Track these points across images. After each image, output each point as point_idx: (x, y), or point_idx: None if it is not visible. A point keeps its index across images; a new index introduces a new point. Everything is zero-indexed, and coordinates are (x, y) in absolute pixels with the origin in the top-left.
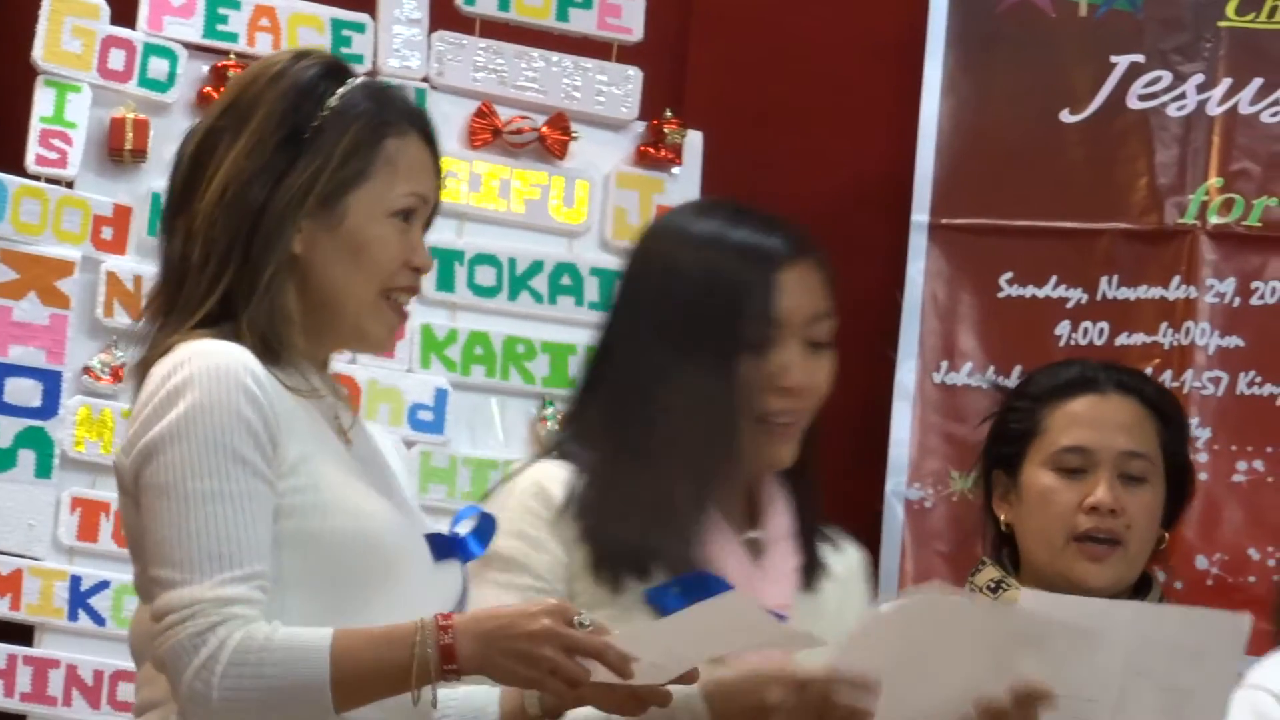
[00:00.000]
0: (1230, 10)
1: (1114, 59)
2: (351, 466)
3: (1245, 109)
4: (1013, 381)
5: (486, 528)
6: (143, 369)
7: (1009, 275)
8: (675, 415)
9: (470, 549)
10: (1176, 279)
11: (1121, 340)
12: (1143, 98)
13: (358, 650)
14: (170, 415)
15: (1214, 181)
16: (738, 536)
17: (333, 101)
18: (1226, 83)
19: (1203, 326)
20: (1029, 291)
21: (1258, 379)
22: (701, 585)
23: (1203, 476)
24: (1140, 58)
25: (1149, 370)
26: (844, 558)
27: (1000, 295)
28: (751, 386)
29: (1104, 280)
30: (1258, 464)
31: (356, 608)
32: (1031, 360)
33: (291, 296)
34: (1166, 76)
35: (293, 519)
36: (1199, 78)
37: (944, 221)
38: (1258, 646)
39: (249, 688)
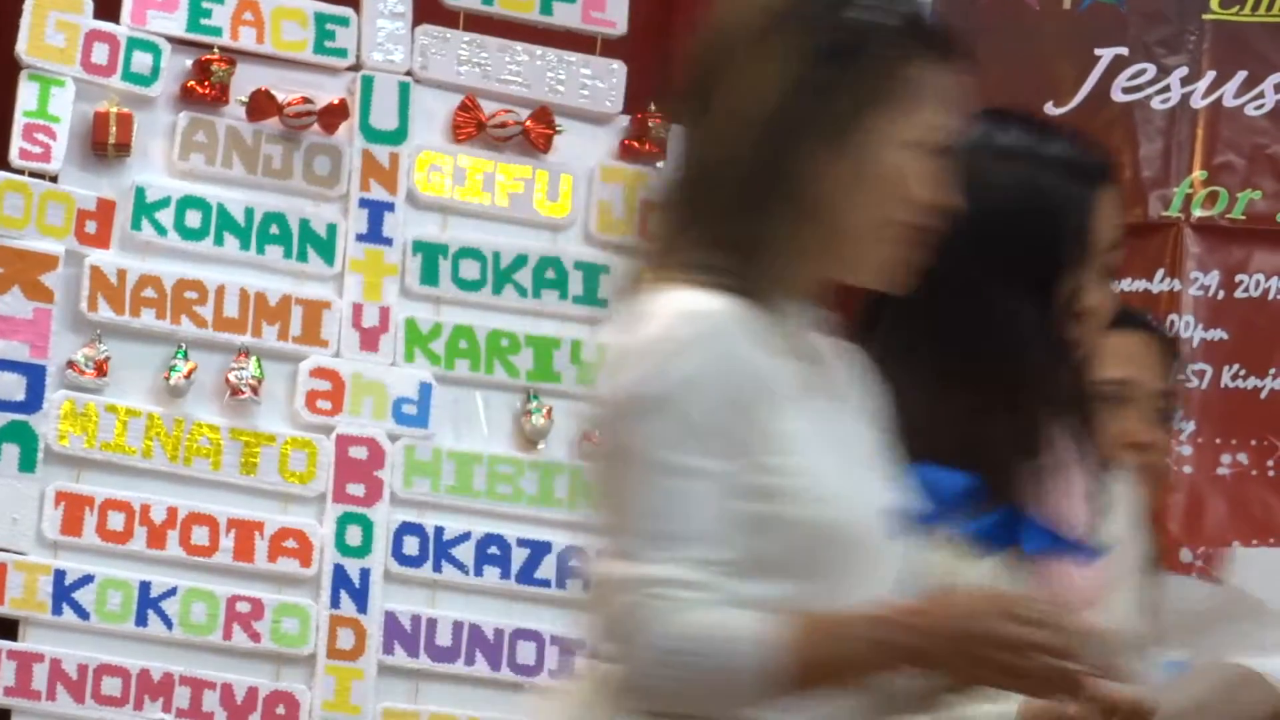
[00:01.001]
0: (1214, 3)
1: (1098, 52)
2: (831, 434)
3: (1229, 102)
4: None
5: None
6: (644, 283)
7: None
8: (1005, 338)
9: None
10: (1161, 272)
11: None
12: (1127, 90)
13: (816, 642)
14: (658, 376)
15: (1198, 174)
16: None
17: (858, 17)
18: (1210, 76)
19: (1186, 319)
20: None
21: (1242, 372)
22: (1022, 522)
23: (1187, 469)
24: (1124, 50)
25: None
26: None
27: None
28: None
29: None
30: (1241, 457)
31: (820, 596)
32: None
33: (797, 221)
34: (1151, 69)
35: (766, 502)
36: (1183, 71)
37: None
38: None
39: (691, 675)
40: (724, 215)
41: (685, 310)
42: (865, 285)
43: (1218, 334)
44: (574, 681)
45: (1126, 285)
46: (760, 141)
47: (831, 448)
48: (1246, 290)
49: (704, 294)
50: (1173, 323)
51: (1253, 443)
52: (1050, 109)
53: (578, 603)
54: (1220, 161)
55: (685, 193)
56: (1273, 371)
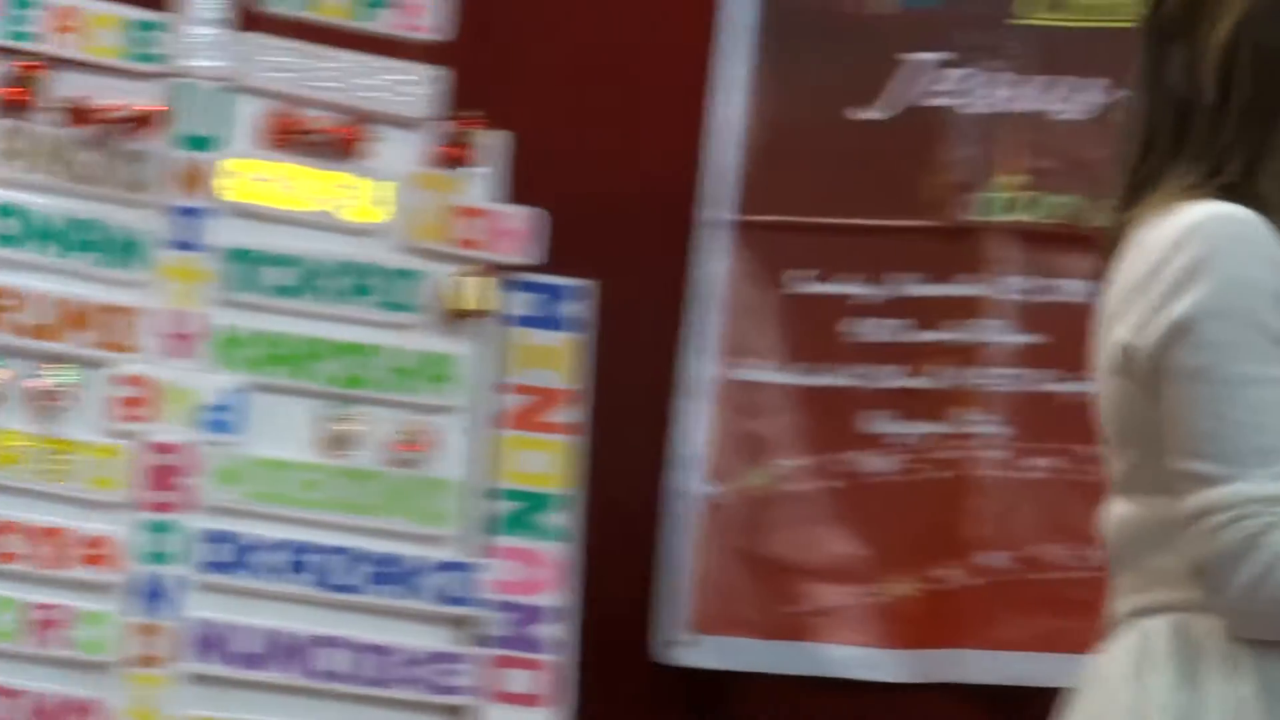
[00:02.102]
0: (1030, 8)
1: (911, 55)
2: None
3: (1041, 106)
4: (806, 379)
5: None
6: (1149, 208)
7: (805, 272)
8: None
9: None
10: (971, 276)
11: (916, 337)
12: (938, 94)
13: None
14: (1197, 290)
15: (1009, 179)
16: None
17: None
18: (1026, 80)
19: (1000, 324)
20: (826, 288)
21: (1053, 376)
22: None
23: (997, 474)
24: (941, 54)
25: (942, 368)
26: None
27: (796, 292)
28: None
29: (897, 277)
30: (1056, 461)
31: None
32: (824, 356)
33: None
34: (964, 73)
35: None
36: (994, 74)
37: (741, 218)
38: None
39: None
40: (1225, 137)
41: (1207, 216)
42: None
43: (1030, 338)
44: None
45: (935, 290)
46: (1225, 66)
47: None
48: (1058, 295)
49: (1225, 205)
50: (983, 327)
51: (1067, 447)
52: (865, 112)
53: (397, 609)
54: (1035, 166)
55: (1174, 117)
56: (1084, 376)
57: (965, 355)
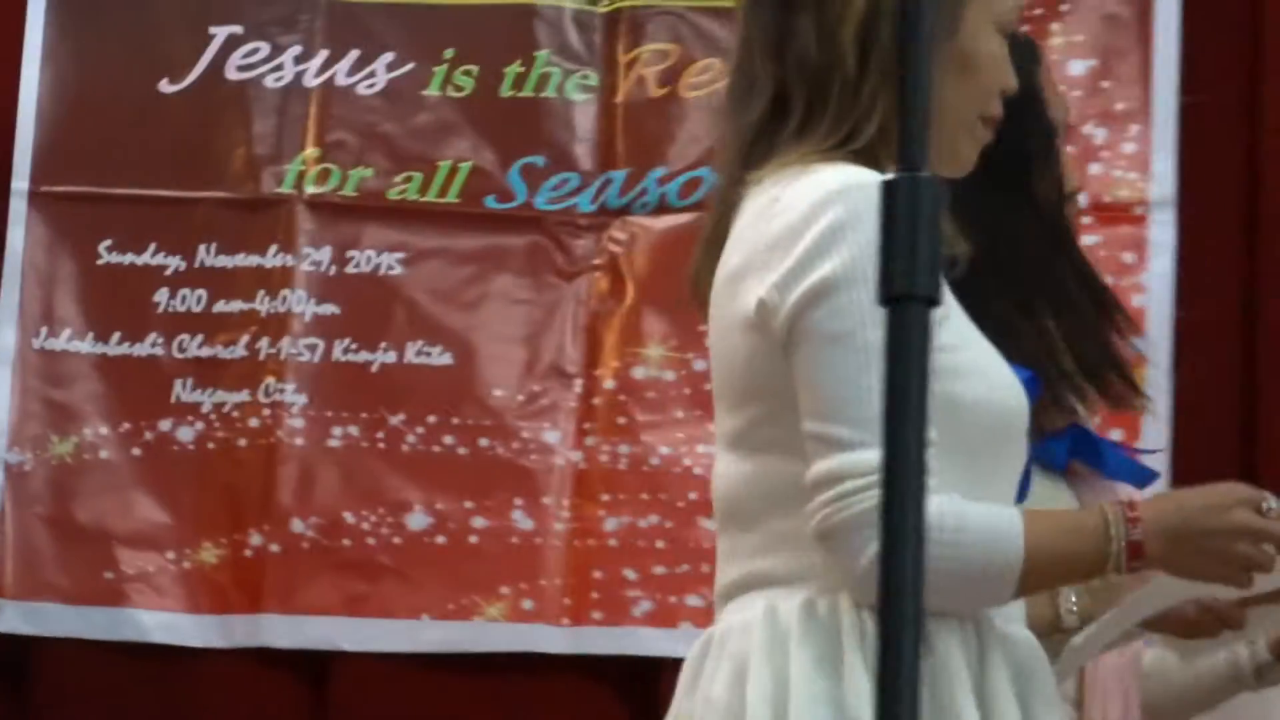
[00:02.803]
0: None
1: (213, 29)
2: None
3: (342, 81)
4: (114, 349)
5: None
6: (770, 175)
7: (109, 242)
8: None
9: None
10: (274, 247)
11: (220, 307)
12: (241, 69)
13: (1049, 537)
14: (838, 255)
15: (311, 152)
16: None
17: None
18: (324, 54)
19: (299, 294)
20: (129, 259)
21: (353, 345)
22: (1090, 441)
23: (299, 442)
24: (239, 29)
25: (245, 338)
26: None
27: (100, 262)
28: None
29: (202, 248)
30: (353, 429)
31: (986, 479)
32: (132, 326)
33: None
34: (265, 48)
35: (938, 381)
36: (296, 49)
37: (44, 189)
38: (368, 608)
39: (941, 567)
40: (863, 103)
41: (847, 182)
42: (950, 174)
43: (330, 308)
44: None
45: (240, 261)
46: (863, 37)
47: (974, 329)
48: (358, 266)
49: (862, 170)
50: (285, 298)
51: (364, 415)
52: (166, 86)
53: None
54: (333, 139)
55: (807, 84)
56: (383, 345)
57: (269, 325)
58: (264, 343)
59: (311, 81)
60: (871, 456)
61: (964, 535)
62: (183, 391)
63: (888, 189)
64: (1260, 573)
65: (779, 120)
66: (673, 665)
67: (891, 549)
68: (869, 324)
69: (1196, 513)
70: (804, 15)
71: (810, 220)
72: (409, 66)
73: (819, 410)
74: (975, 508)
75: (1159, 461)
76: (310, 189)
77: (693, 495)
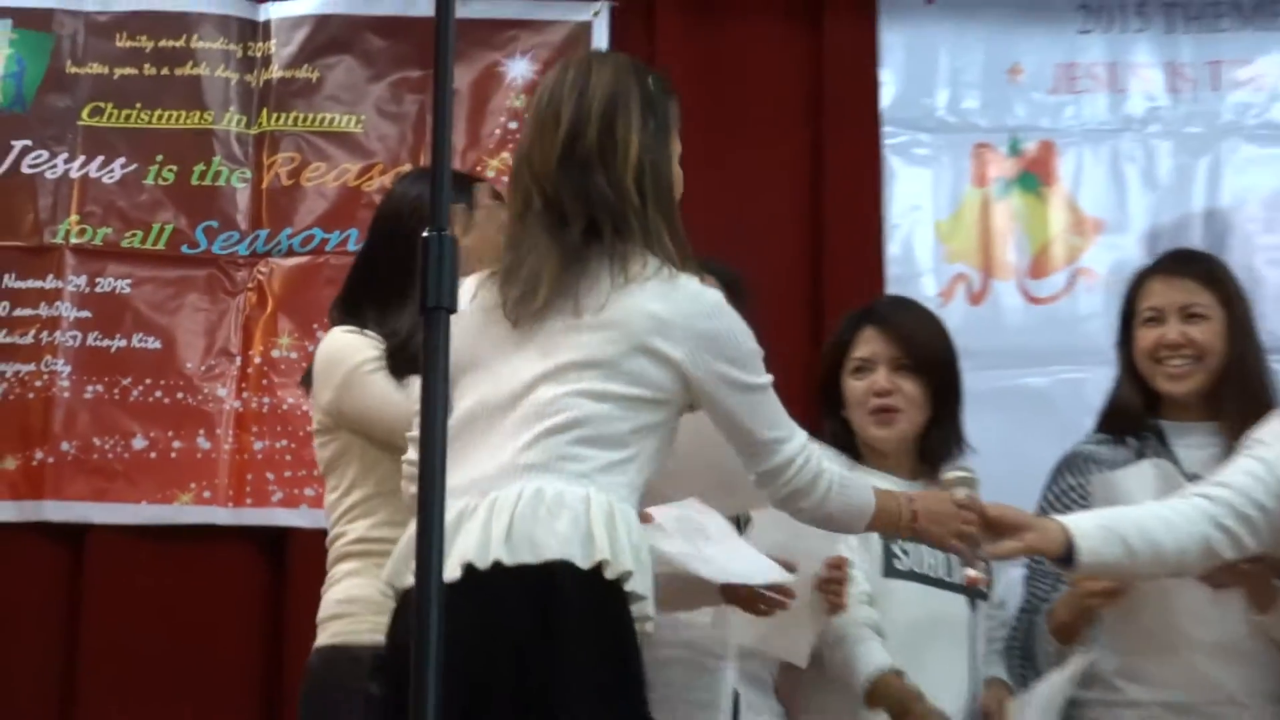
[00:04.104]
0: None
1: (13, 142)
2: None
3: (93, 174)
4: None
5: None
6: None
7: None
8: None
9: None
10: (51, 275)
11: (17, 312)
12: (31, 166)
13: (879, 497)
14: (738, 338)
15: (74, 217)
16: None
17: (660, 80)
18: (82, 158)
19: (67, 304)
20: None
21: (100, 336)
22: None
23: (66, 395)
24: (29, 141)
25: (33, 331)
26: None
27: None
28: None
29: (6, 276)
30: (99, 387)
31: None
32: None
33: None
34: (45, 154)
35: None
36: (65, 154)
37: None
38: None
39: (841, 500)
40: (654, 227)
41: (711, 284)
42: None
43: (85, 313)
44: None
45: (30, 283)
46: (658, 171)
47: None
48: (103, 288)
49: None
50: (58, 307)
51: (106, 379)
52: None
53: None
54: (88, 210)
55: (610, 217)
56: (119, 336)
57: (47, 324)
58: (44, 334)
59: (75, 174)
60: (800, 440)
61: (849, 483)
62: None
63: (424, 241)
64: (968, 539)
65: (593, 242)
66: (297, 533)
67: (425, 526)
68: (763, 372)
69: (945, 505)
70: (596, 170)
71: (717, 316)
72: (134, 166)
73: (761, 426)
74: (853, 474)
75: None
76: (74, 240)
77: (310, 427)
